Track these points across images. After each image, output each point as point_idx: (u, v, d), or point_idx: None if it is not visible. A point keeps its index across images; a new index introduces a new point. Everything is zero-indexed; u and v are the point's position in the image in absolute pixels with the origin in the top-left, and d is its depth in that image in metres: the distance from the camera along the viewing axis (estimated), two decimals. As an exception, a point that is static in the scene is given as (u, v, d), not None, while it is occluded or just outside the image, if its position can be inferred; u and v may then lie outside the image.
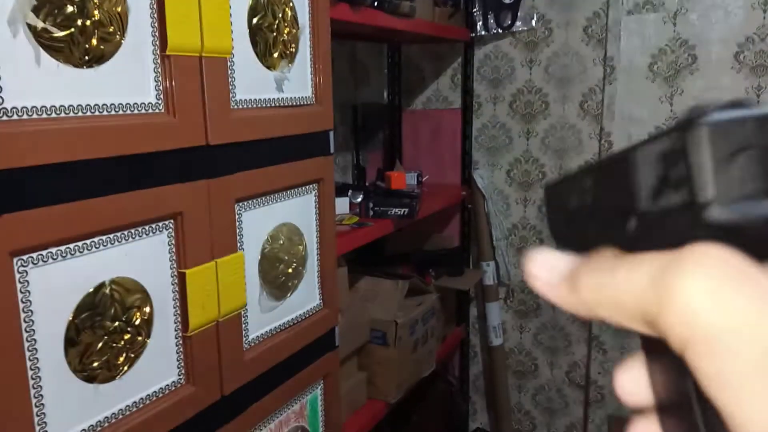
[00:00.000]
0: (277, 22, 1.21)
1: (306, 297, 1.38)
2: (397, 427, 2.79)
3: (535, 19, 2.52)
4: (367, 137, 2.68)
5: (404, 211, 1.99)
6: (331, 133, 1.34)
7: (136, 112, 0.94)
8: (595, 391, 2.68)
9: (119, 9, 0.90)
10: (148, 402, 1.01)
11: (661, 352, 0.24)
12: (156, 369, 1.02)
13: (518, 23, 2.54)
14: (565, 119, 2.57)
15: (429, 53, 2.75)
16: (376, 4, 1.82)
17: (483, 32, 2.58)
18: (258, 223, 1.22)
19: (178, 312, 1.05)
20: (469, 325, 2.88)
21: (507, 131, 2.68)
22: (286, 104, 1.23)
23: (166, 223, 1.01)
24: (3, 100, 0.77)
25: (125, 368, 0.97)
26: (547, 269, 0.27)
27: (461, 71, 2.67)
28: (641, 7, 2.36)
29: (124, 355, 0.97)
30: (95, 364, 0.92)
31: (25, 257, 0.80)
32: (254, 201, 1.19)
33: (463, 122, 2.68)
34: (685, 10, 2.31)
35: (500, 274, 2.74)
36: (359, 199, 2.04)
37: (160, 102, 0.98)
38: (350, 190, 2.04)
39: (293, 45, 1.26)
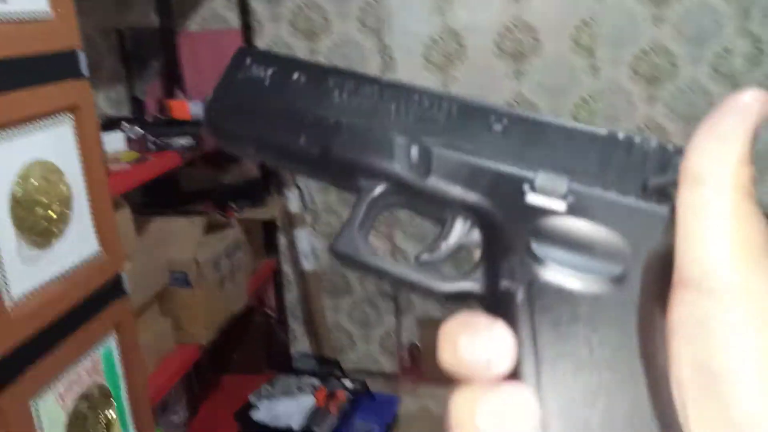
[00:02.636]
0: None
1: (79, 243, 1.23)
2: (217, 368, 2.72)
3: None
4: (142, 66, 2.43)
5: (190, 141, 1.85)
6: (81, 53, 1.17)
7: None
8: (404, 299, 2.82)
9: None
10: None
11: None
12: None
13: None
14: (348, 35, 2.55)
15: (198, -30, 2.54)
16: None
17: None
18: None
19: None
20: (279, 254, 2.84)
21: (292, 52, 2.59)
22: (13, 18, 1.03)
23: None
24: None
25: None
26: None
27: (236, -12, 2.50)
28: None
29: None
30: None
31: None
32: (-11, 137, 1.00)
33: (244, 44, 2.53)
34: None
35: (305, 200, 2.71)
36: (137, 133, 1.85)
37: None
38: (125, 123, 1.84)
39: (13, -54, 1.05)
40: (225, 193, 2.51)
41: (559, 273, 0.25)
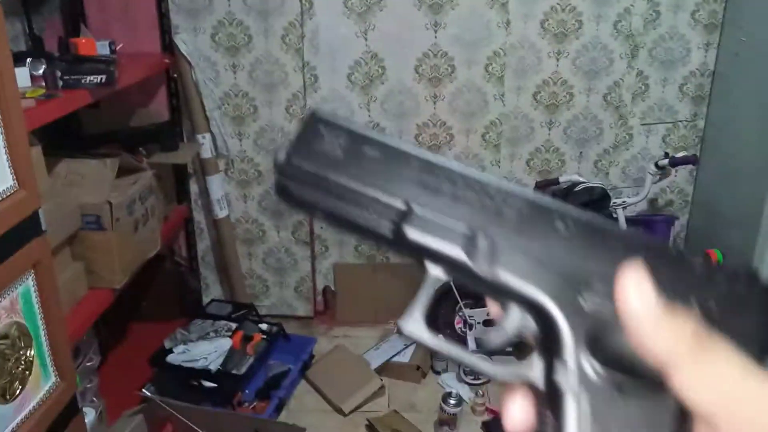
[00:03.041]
0: None
1: (-7, 177, 1.17)
2: (127, 316, 2.67)
3: None
4: (40, 1, 2.27)
5: (102, 78, 1.77)
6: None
7: None
8: (320, 244, 2.87)
9: None
10: None
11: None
12: None
13: None
14: (271, 53, 2.54)
15: None
16: None
17: None
18: None
19: None
20: (191, 202, 2.79)
21: (213, 65, 2.55)
22: None
23: None
24: None
25: None
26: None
27: None
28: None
29: None
30: None
31: None
32: None
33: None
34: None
35: (218, 145, 2.66)
36: (42, 70, 1.75)
37: None
38: (29, 59, 1.73)
39: None
40: (132, 136, 2.42)
41: (605, 382, 0.28)
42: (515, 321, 0.31)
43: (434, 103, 2.62)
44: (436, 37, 2.52)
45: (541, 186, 2.69)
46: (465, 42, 2.53)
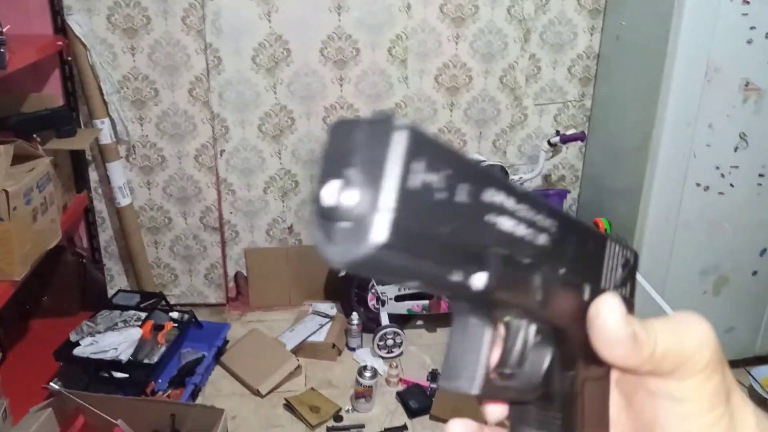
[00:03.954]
0: None
1: None
2: (28, 312, 2.54)
3: None
4: None
5: (-9, 60, 1.68)
6: None
7: None
8: (229, 230, 2.84)
9: None
10: None
11: None
12: None
13: None
14: (171, 34, 2.49)
15: None
16: None
17: None
18: None
19: None
20: (91, 190, 2.69)
21: (111, 49, 2.46)
22: None
23: None
24: None
25: None
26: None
27: None
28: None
29: None
30: None
31: None
32: None
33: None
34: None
35: (117, 131, 2.58)
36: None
37: None
38: None
39: None
40: (25, 123, 2.29)
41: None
42: (530, 341, 0.31)
43: (341, 85, 2.66)
44: (339, 20, 2.56)
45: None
46: (368, 25, 2.58)
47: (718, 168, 2.30)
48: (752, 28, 2.13)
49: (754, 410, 0.32)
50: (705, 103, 2.21)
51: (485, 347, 0.28)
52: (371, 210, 0.20)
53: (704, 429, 0.30)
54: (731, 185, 2.32)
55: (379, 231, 0.20)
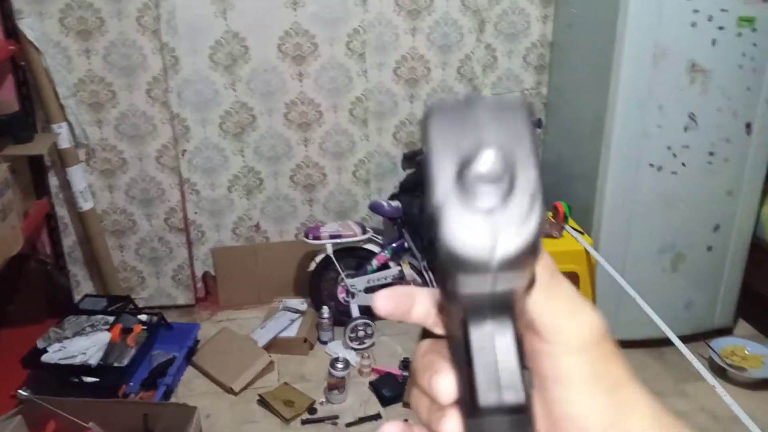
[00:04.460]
0: None
1: None
2: (-10, 322, 2.50)
3: None
4: None
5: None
6: None
7: None
8: (195, 230, 2.84)
9: None
10: None
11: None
12: None
13: None
14: (126, 35, 2.47)
15: None
16: None
17: None
18: None
19: None
20: (51, 196, 2.65)
21: (65, 52, 2.43)
22: None
23: None
24: None
25: None
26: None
27: None
28: None
29: None
30: None
31: None
32: None
33: None
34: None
35: (76, 134, 2.55)
36: None
37: None
38: None
39: None
40: (-22, 129, 2.27)
41: None
42: None
43: (300, 81, 2.67)
44: (296, 16, 2.57)
45: (408, 157, 2.84)
46: (325, 20, 2.60)
47: (669, 148, 2.38)
48: (695, 11, 2.21)
49: (651, 404, 0.32)
50: (654, 86, 2.29)
51: (514, 348, 0.27)
52: (528, 167, 0.24)
53: (586, 413, 0.30)
54: (683, 164, 2.40)
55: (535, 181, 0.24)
